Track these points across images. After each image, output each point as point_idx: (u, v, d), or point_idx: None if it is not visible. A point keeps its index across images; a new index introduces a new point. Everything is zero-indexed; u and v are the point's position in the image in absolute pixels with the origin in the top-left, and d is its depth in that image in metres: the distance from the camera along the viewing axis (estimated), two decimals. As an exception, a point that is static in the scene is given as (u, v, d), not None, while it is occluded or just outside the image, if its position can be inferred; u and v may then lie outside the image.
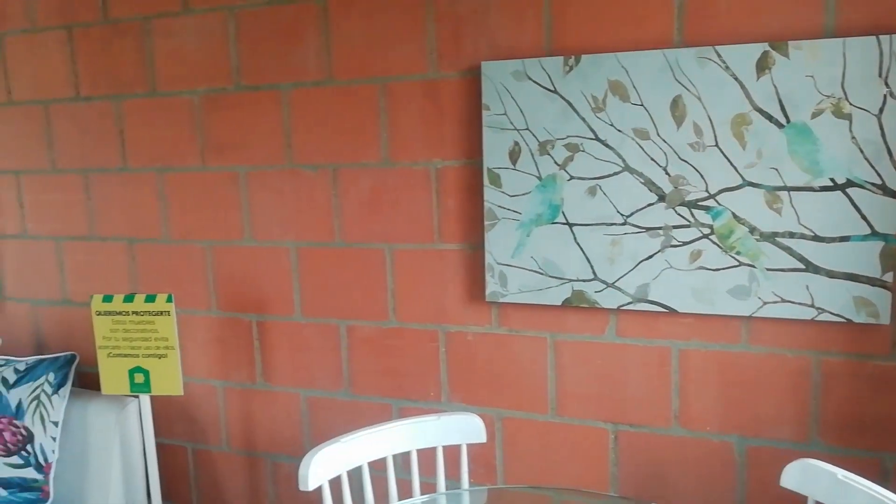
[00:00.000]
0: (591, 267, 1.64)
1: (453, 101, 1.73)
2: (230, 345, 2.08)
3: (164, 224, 2.09)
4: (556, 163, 1.64)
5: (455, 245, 1.79)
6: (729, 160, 1.51)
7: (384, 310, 1.89)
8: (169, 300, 1.89)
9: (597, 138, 1.60)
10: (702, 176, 1.54)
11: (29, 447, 1.99)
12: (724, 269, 1.55)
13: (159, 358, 1.92)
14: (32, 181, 2.23)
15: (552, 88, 1.61)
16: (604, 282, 1.64)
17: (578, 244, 1.64)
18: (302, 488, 1.40)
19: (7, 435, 1.98)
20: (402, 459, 1.84)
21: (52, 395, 2.04)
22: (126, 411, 2.08)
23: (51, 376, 2.05)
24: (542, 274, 1.69)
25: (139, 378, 1.94)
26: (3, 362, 2.07)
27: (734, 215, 1.52)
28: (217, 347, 2.10)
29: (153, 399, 2.16)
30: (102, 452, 2.06)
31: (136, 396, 2.08)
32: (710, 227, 1.54)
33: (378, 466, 1.63)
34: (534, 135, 1.64)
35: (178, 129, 2.02)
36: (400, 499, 1.70)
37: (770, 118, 1.47)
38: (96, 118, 2.10)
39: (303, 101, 1.87)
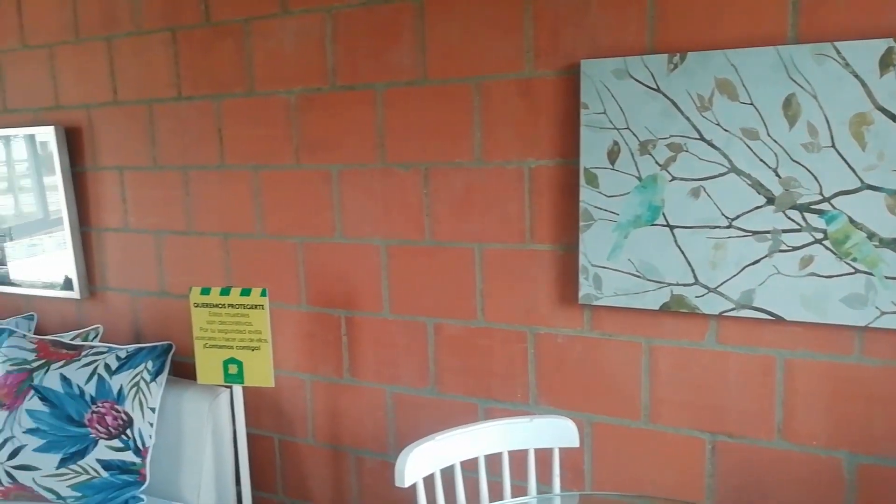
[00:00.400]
0: (693, 271, 1.59)
1: (549, 99, 1.71)
2: (318, 339, 2.12)
3: (258, 220, 2.15)
4: (657, 163, 1.59)
5: (547, 246, 1.77)
6: (846, 162, 1.43)
7: (472, 309, 1.88)
8: (263, 294, 1.94)
9: (702, 138, 1.55)
10: (815, 178, 1.47)
11: (129, 431, 2.08)
12: (837, 276, 1.47)
13: (252, 350, 1.97)
14: (135, 177, 2.33)
15: (655, 87, 1.57)
16: (705, 286, 1.58)
17: (679, 247, 1.60)
18: (398, 484, 1.40)
19: (109, 419, 2.08)
20: (491, 461, 1.82)
21: (151, 382, 2.12)
22: (218, 401, 2.14)
23: (149, 364, 2.14)
24: (639, 277, 1.64)
25: (233, 369, 2.00)
26: (105, 349, 2.17)
27: (851, 220, 1.44)
28: (306, 341, 2.14)
29: (243, 390, 2.22)
30: (195, 440, 2.13)
31: (229, 387, 2.15)
32: (824, 231, 1.47)
33: (468, 466, 1.63)
34: (634, 134, 1.61)
35: (273, 128, 2.07)
36: (491, 500, 1.69)
37: (894, 118, 1.39)
38: (196, 117, 2.18)
39: (396, 101, 1.89)
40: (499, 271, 1.84)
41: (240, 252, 2.20)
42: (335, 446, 2.15)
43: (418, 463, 1.43)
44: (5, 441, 2.06)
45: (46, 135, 2.41)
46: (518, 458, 1.70)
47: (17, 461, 2.05)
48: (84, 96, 2.37)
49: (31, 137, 2.51)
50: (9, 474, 2.05)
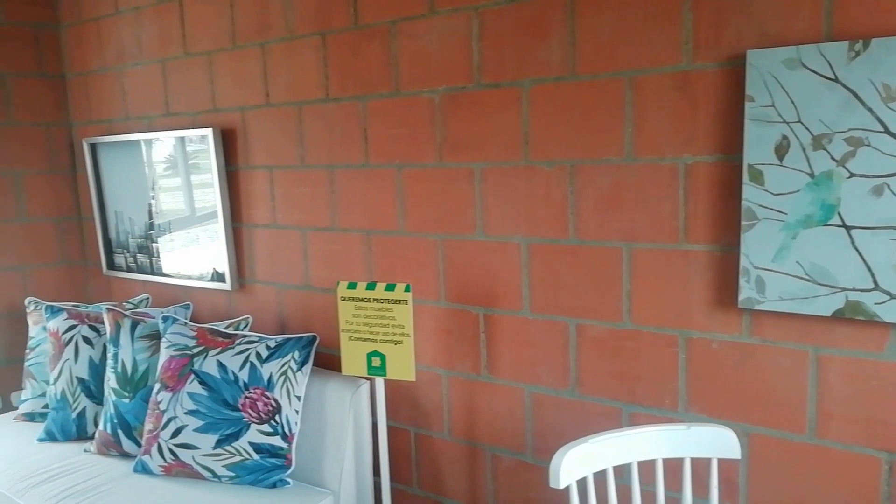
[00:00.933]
0: (872, 275, 1.47)
1: (709, 93, 1.64)
2: (456, 336, 2.14)
3: (399, 217, 2.20)
4: (832, 158, 1.48)
5: (702, 246, 1.69)
6: None
7: (618, 310, 1.83)
8: (407, 290, 1.98)
9: (887, 131, 1.42)
10: None
11: (277, 417, 2.19)
12: None
13: (395, 344, 2.02)
14: (284, 176, 2.45)
15: (832, 77, 1.46)
16: (887, 293, 1.45)
17: (857, 249, 1.48)
18: (553, 485, 1.38)
19: (260, 404, 2.20)
20: (644, 467, 1.75)
21: (297, 371, 2.23)
22: (359, 392, 2.21)
23: (296, 354, 2.24)
24: (808, 281, 1.54)
25: (376, 362, 2.05)
26: (256, 339, 2.30)
27: None
28: (444, 337, 2.17)
29: (384, 382, 2.28)
30: (337, 429, 2.21)
31: (370, 379, 2.21)
32: None
33: (618, 472, 1.58)
34: (806, 128, 1.50)
35: (417, 127, 2.11)
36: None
37: None
38: (343, 118, 2.26)
39: (543, 98, 1.87)
40: (648, 272, 1.78)
41: (381, 248, 2.26)
42: (471, 442, 2.17)
43: (572, 464, 1.41)
44: (169, 420, 2.23)
45: (200, 135, 2.59)
46: (671, 466, 1.63)
47: (178, 440, 2.21)
48: (239, 99, 2.52)
49: (182, 139, 2.69)
50: (172, 451, 2.21)
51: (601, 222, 1.83)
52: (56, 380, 2.63)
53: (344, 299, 2.07)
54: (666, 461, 1.52)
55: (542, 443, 2.01)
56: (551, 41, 1.84)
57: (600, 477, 1.51)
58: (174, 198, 2.84)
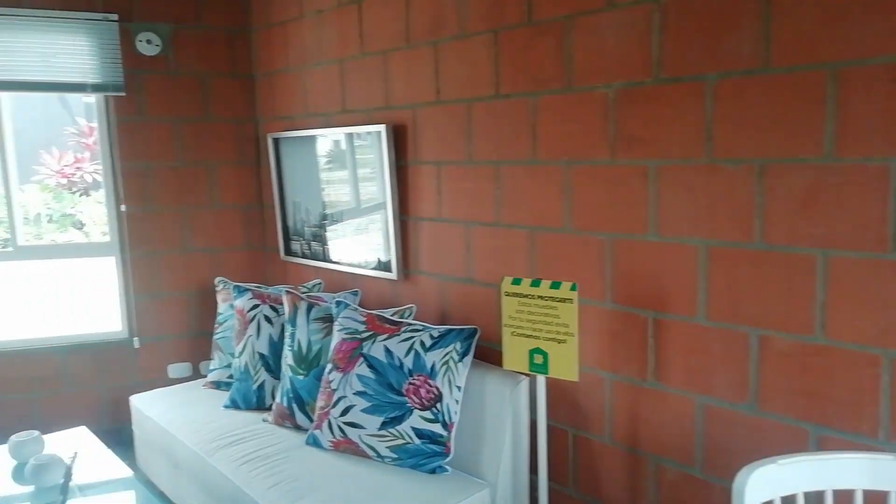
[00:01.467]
0: None
1: (933, 85, 1.45)
2: (622, 339, 2.08)
3: (566, 215, 2.17)
4: None
5: (917, 257, 1.51)
6: None
7: (808, 323, 1.69)
8: (573, 289, 1.95)
9: None
10: None
11: (438, 405, 2.26)
12: None
13: (558, 343, 2.00)
14: (451, 171, 2.51)
15: None
16: None
17: None
18: (736, 505, 1.31)
19: (423, 391, 2.27)
20: (840, 497, 1.59)
21: (458, 362, 2.28)
22: (518, 388, 2.22)
23: (458, 345, 2.29)
24: None
25: (538, 359, 2.05)
26: (420, 327, 2.38)
27: None
28: (608, 339, 2.12)
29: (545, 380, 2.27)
30: (496, 422, 2.24)
31: (531, 375, 2.21)
32: None
33: (809, 499, 1.45)
34: None
35: (589, 123, 2.07)
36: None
37: None
38: (512, 114, 2.27)
39: (729, 92, 1.76)
40: (847, 282, 1.62)
41: (545, 245, 2.25)
42: (633, 449, 2.10)
43: (759, 485, 1.32)
44: (339, 399, 2.37)
45: (368, 131, 2.71)
46: (872, 499, 1.47)
47: (347, 418, 2.35)
48: (410, 97, 2.62)
49: (350, 135, 2.84)
50: (340, 429, 2.36)
51: (792, 227, 1.69)
52: (240, 353, 2.89)
53: (508, 294, 2.08)
54: (867, 493, 1.38)
55: (714, 458, 1.91)
56: (741, 32, 1.72)
57: (788, 502, 1.40)
58: (341, 190, 3.01)
